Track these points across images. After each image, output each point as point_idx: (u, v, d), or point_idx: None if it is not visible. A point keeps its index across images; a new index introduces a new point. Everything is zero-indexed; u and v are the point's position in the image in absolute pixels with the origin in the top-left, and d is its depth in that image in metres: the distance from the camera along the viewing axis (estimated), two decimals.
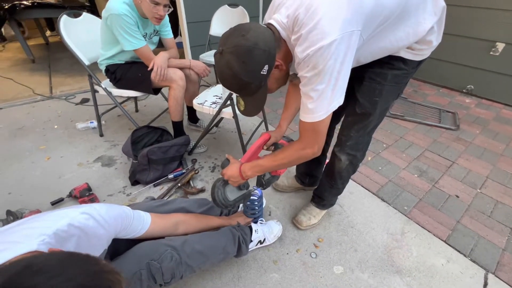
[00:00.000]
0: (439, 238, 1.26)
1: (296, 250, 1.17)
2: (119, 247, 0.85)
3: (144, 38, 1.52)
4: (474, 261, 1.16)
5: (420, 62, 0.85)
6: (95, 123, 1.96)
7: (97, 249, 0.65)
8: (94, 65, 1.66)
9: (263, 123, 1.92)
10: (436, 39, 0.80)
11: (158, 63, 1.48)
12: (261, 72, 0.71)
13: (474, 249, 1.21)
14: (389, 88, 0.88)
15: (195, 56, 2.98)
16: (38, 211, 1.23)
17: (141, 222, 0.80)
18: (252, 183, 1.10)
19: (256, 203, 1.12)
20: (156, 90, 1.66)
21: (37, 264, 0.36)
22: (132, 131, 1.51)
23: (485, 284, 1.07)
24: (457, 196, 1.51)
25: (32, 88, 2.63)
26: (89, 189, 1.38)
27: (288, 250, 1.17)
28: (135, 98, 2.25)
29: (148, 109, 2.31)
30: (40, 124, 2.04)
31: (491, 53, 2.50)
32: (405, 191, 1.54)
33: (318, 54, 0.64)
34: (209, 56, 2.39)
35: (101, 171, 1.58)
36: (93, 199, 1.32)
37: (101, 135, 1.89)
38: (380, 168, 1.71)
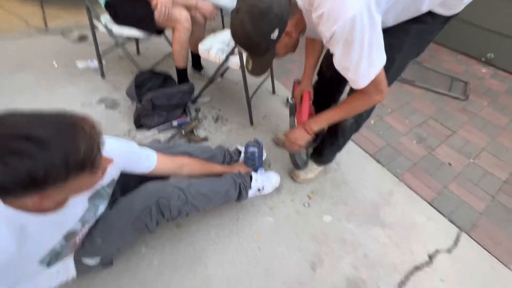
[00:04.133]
0: (424, 199, 1.35)
1: (291, 199, 1.27)
2: (129, 183, 0.92)
3: None
4: (452, 222, 1.27)
5: (448, 18, 0.79)
6: (95, 63, 1.89)
7: (106, 177, 0.71)
8: None
9: (269, 78, 1.86)
10: None
11: (162, 0, 1.36)
12: (271, 35, 0.75)
13: (455, 211, 1.32)
14: (411, 44, 0.84)
15: None
16: None
17: (148, 159, 0.85)
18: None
19: (257, 154, 1.17)
20: (160, 31, 1.56)
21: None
22: (136, 74, 1.47)
23: (457, 240, 1.20)
24: (450, 164, 1.57)
25: (26, 20, 2.45)
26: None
27: (283, 199, 1.26)
28: (137, 40, 2.13)
29: (150, 52, 2.20)
30: (39, 60, 1.96)
31: None
32: (401, 155, 1.59)
33: (345, 29, 0.67)
34: None
35: (105, 113, 1.59)
36: None
37: (103, 75, 1.84)
38: (381, 132, 1.73)
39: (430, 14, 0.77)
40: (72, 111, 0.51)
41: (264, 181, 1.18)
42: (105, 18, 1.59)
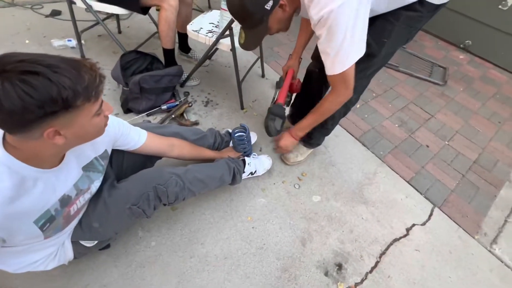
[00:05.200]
0: (403, 179, 1.46)
1: (282, 181, 1.32)
2: (124, 169, 0.92)
3: None
4: (427, 198, 1.39)
5: (438, 6, 0.83)
6: (73, 42, 1.77)
7: (98, 148, 0.74)
8: None
9: (259, 60, 1.85)
10: None
11: None
12: (265, 6, 0.77)
13: (430, 189, 1.44)
14: (400, 30, 0.87)
15: None
16: None
17: (138, 134, 0.86)
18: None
19: (244, 138, 1.19)
20: (145, 9, 1.48)
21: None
22: (121, 55, 1.40)
23: (430, 215, 1.33)
24: (427, 146, 1.69)
25: None
26: None
27: (275, 181, 1.31)
28: (117, 16, 2.00)
29: (132, 32, 2.09)
30: (8, 37, 1.80)
31: (500, 6, 2.40)
32: (384, 138, 1.68)
33: (332, 16, 0.70)
34: None
35: None
36: None
37: (83, 56, 1.74)
38: (366, 116, 1.80)
39: (420, 2, 0.80)
40: None
41: (257, 164, 1.21)
42: None
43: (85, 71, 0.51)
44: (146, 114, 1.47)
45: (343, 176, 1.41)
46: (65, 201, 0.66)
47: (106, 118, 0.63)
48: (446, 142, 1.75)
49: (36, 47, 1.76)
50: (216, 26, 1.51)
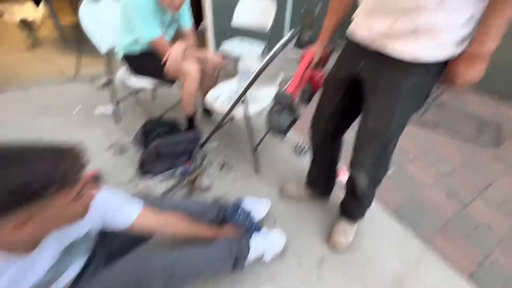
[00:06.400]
0: (460, 273, 1.12)
1: (297, 263, 1.10)
2: (121, 246, 0.86)
3: (162, 26, 1.46)
4: None
5: (444, 64, 0.71)
6: (110, 109, 1.99)
7: (82, 227, 0.68)
8: None
9: None
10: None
11: (173, 55, 1.42)
12: None
13: None
14: (407, 99, 0.76)
15: (218, 43, 2.89)
16: None
17: (129, 212, 0.78)
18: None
19: (240, 218, 1.05)
20: (172, 81, 1.62)
21: None
22: (144, 122, 1.49)
23: None
24: (489, 225, 1.34)
25: (61, 68, 2.73)
26: (97, 178, 1.40)
27: (288, 264, 1.10)
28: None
29: (165, 98, 2.29)
30: (63, 106, 2.11)
31: None
32: (429, 212, 1.38)
33: None
34: (230, 45, 2.30)
35: (113, 159, 1.60)
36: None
37: (117, 121, 1.92)
38: (402, 183, 1.55)
39: (423, 65, 0.71)
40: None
41: (265, 246, 1.04)
42: (123, 69, 1.70)
43: (67, 158, 0.51)
44: (161, 178, 1.47)
45: (373, 263, 1.13)
46: None
47: (89, 200, 0.59)
48: None
49: (82, 114, 2.02)
50: (235, 93, 1.56)
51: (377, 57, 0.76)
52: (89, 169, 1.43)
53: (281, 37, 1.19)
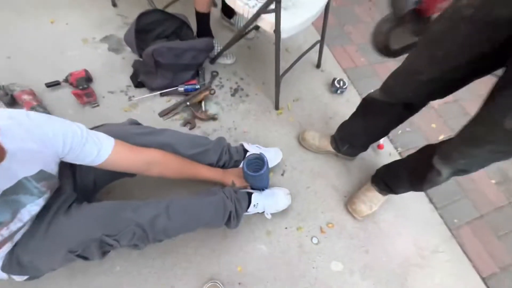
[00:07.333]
0: (477, 272, 0.99)
1: (297, 227, 0.99)
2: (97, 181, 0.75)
3: None
4: None
5: None
6: None
7: (30, 167, 0.53)
8: None
9: (317, 44, 1.36)
10: None
11: None
12: None
13: None
14: None
15: None
16: (30, 92, 1.09)
17: (98, 147, 0.61)
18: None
19: (259, 177, 0.86)
20: None
21: None
22: (138, 14, 1.11)
23: None
24: None
25: None
26: (87, 78, 1.16)
27: (287, 224, 0.99)
28: None
29: None
30: None
31: None
32: (467, 198, 1.15)
33: None
34: None
35: (107, 56, 1.31)
36: (89, 95, 1.12)
37: (114, 5, 1.49)
38: None
39: None
40: None
41: (267, 206, 0.90)
42: None
43: None
44: (160, 93, 1.22)
45: (384, 243, 1.00)
46: None
47: None
48: None
49: None
50: None
51: None
52: (76, 68, 1.18)
53: None
